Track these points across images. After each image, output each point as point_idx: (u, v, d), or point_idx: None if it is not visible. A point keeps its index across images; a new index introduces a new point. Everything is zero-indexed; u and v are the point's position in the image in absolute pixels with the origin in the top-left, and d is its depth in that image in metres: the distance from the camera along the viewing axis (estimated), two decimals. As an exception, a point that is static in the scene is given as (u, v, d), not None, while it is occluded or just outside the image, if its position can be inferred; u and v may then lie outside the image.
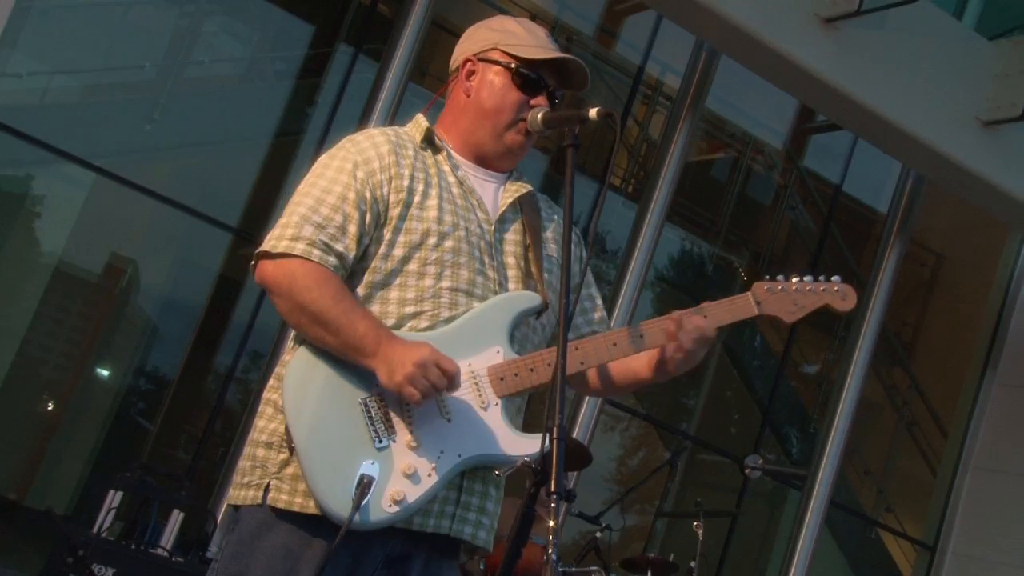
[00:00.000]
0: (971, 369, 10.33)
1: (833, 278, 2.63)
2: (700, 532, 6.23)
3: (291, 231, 2.36)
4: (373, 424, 2.30)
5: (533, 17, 9.46)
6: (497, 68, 2.56)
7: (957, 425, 10.20)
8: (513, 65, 2.54)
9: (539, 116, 2.51)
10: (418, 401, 2.26)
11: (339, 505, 2.24)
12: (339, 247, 2.37)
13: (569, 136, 2.38)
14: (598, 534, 6.37)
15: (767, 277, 2.61)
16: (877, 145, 8.40)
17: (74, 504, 8.25)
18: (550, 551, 2.01)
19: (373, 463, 2.27)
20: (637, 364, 2.58)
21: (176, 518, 5.66)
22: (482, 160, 2.59)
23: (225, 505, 6.28)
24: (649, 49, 9.14)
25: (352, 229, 2.39)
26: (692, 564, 6.25)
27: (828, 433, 9.05)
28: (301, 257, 2.33)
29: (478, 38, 2.64)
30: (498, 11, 9.20)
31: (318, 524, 2.28)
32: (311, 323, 2.32)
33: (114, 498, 5.42)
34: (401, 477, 2.28)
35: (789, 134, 10.78)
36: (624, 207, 9.26)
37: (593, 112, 2.37)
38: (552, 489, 2.04)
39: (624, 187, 9.83)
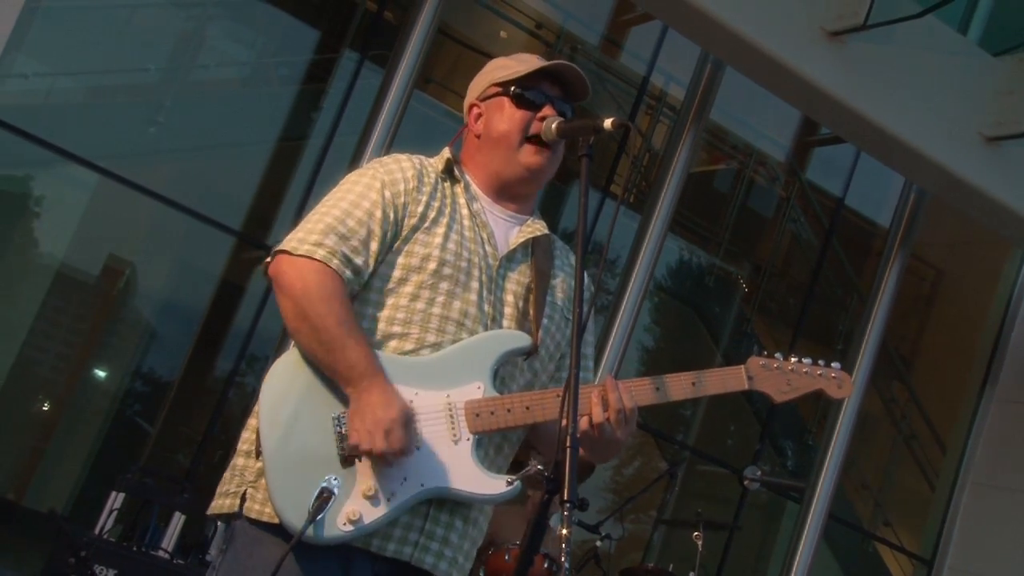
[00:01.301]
0: (970, 384, 10.34)
1: (832, 364, 2.62)
2: (700, 543, 6.23)
3: (316, 237, 2.37)
4: (341, 441, 2.30)
5: (538, 26, 9.49)
6: (498, 99, 2.60)
7: (955, 440, 10.21)
8: (511, 88, 2.58)
9: (553, 126, 2.52)
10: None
11: (295, 515, 2.25)
12: (358, 261, 2.38)
13: (583, 146, 2.39)
14: (598, 543, 6.37)
15: (764, 353, 2.59)
16: (880, 159, 8.41)
17: (72, 505, 8.24)
18: (563, 559, 2.02)
19: (336, 479, 2.28)
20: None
21: (177, 521, 5.65)
22: (503, 191, 2.60)
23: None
24: (654, 60, 9.16)
25: (374, 246, 2.41)
26: (691, 575, 6.26)
27: (827, 446, 9.06)
28: (321, 262, 2.34)
29: (477, 85, 2.69)
30: (504, 20, 9.23)
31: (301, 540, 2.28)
32: (309, 334, 2.32)
33: (116, 499, 5.42)
34: (360, 498, 2.28)
35: (792, 146, 10.81)
36: (626, 217, 9.27)
37: (608, 122, 2.37)
38: (565, 497, 2.04)
39: (627, 197, 9.85)
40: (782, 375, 2.58)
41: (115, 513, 5.45)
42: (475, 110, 2.65)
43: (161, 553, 5.53)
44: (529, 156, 2.55)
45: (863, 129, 7.85)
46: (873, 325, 9.19)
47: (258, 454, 2.32)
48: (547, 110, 2.55)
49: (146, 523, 5.69)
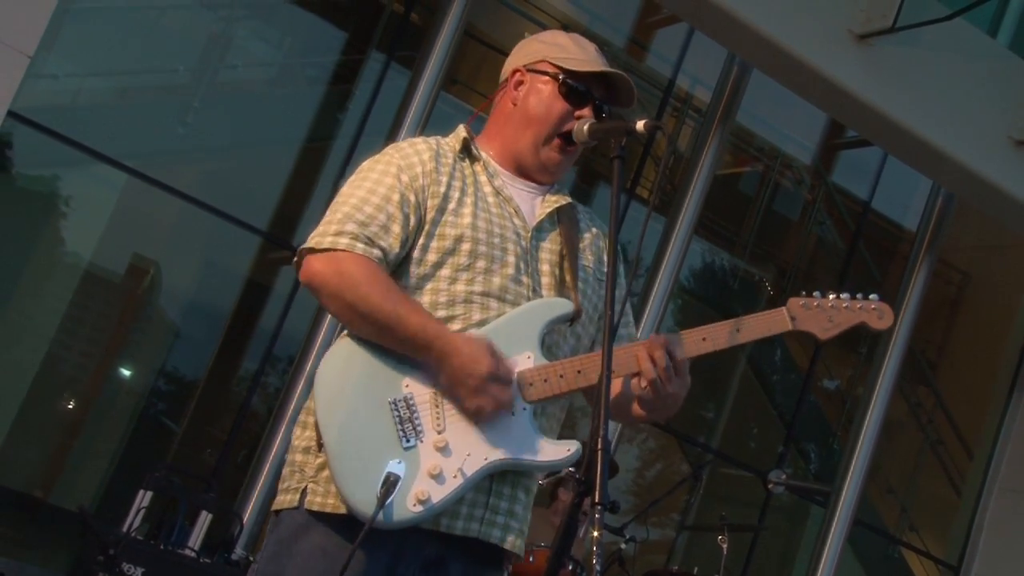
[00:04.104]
0: (997, 389, 10.27)
1: (871, 296, 2.61)
2: (725, 546, 6.21)
3: (335, 227, 2.37)
4: (401, 424, 2.31)
5: (564, 27, 9.47)
6: (545, 78, 2.59)
7: (982, 445, 10.14)
8: (561, 76, 2.57)
9: (585, 128, 2.52)
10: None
11: (364, 503, 2.25)
12: (383, 243, 2.38)
13: (616, 148, 2.38)
14: (622, 545, 6.37)
15: (803, 293, 2.59)
16: (907, 162, 8.36)
17: (98, 503, 8.29)
18: (595, 561, 2.02)
19: (400, 462, 2.28)
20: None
21: (204, 519, 5.68)
22: (521, 171, 2.61)
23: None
24: (680, 62, 9.15)
25: (396, 228, 2.40)
26: (715, 578, 6.24)
27: (852, 450, 9.00)
28: (345, 251, 2.34)
29: (529, 50, 2.66)
30: (529, 21, 9.23)
31: (354, 526, 2.28)
32: (362, 321, 2.34)
33: (144, 498, 5.46)
34: (427, 477, 2.28)
35: (818, 149, 10.76)
36: (651, 219, 9.25)
37: (640, 124, 2.37)
38: (596, 500, 2.04)
39: (652, 199, 9.83)
40: (823, 312, 2.57)
41: (143, 511, 5.48)
42: (518, 75, 2.63)
43: (188, 551, 5.56)
44: (552, 152, 2.56)
45: (890, 132, 7.81)
46: (899, 329, 9.13)
47: (320, 447, 2.32)
48: (586, 111, 2.55)
49: (173, 521, 5.71)
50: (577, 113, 2.55)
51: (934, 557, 10.27)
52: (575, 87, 2.56)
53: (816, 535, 9.09)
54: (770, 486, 6.50)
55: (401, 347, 2.34)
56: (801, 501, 9.99)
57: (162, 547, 5.42)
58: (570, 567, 5.48)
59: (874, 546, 10.40)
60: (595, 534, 2.03)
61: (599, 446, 2.08)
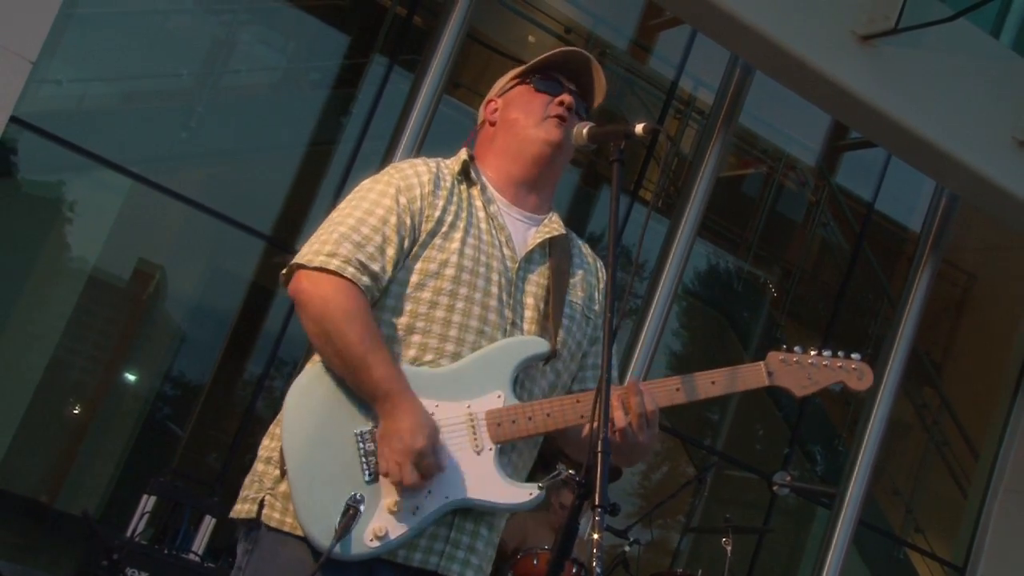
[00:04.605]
0: (1003, 389, 10.24)
1: (852, 355, 2.58)
2: (729, 548, 6.20)
3: (329, 247, 2.37)
4: (365, 457, 2.31)
5: (567, 30, 9.48)
6: (516, 88, 2.65)
7: (988, 446, 10.11)
8: (528, 79, 2.63)
9: (584, 131, 2.52)
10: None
11: (322, 533, 2.25)
12: (375, 267, 2.37)
13: (615, 151, 2.37)
14: (626, 548, 6.36)
15: (784, 348, 2.56)
16: (911, 163, 8.35)
17: (103, 508, 8.31)
18: (595, 564, 2.02)
19: (360, 495, 2.28)
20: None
21: (208, 524, 5.69)
22: (521, 185, 2.60)
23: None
24: (683, 64, 9.14)
25: (390, 252, 2.40)
26: (720, 580, 6.23)
27: (857, 451, 8.98)
28: (336, 273, 2.33)
29: (497, 85, 2.73)
30: (532, 24, 9.24)
31: (311, 548, 2.29)
32: (332, 355, 2.33)
33: (147, 502, 5.46)
34: (385, 513, 2.29)
35: (822, 151, 10.75)
36: (655, 221, 9.25)
37: (639, 127, 2.36)
38: (597, 502, 2.04)
39: (655, 202, 9.83)
40: (802, 369, 2.54)
41: (147, 516, 5.49)
42: (491, 104, 2.68)
43: (192, 556, 5.56)
44: (550, 128, 2.55)
45: (894, 133, 7.80)
46: (904, 330, 9.11)
47: (283, 472, 2.32)
48: (565, 96, 2.57)
49: (177, 526, 5.73)
50: (557, 99, 2.57)
51: (940, 558, 10.25)
52: (543, 79, 2.60)
53: (821, 537, 9.07)
54: (775, 488, 6.49)
55: (358, 389, 2.33)
56: (806, 503, 9.97)
57: (166, 552, 5.42)
58: (574, 570, 5.48)
59: (880, 547, 10.38)
60: (595, 537, 2.03)
61: (599, 448, 2.08)
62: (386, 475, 2.28)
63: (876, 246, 10.50)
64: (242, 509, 2.41)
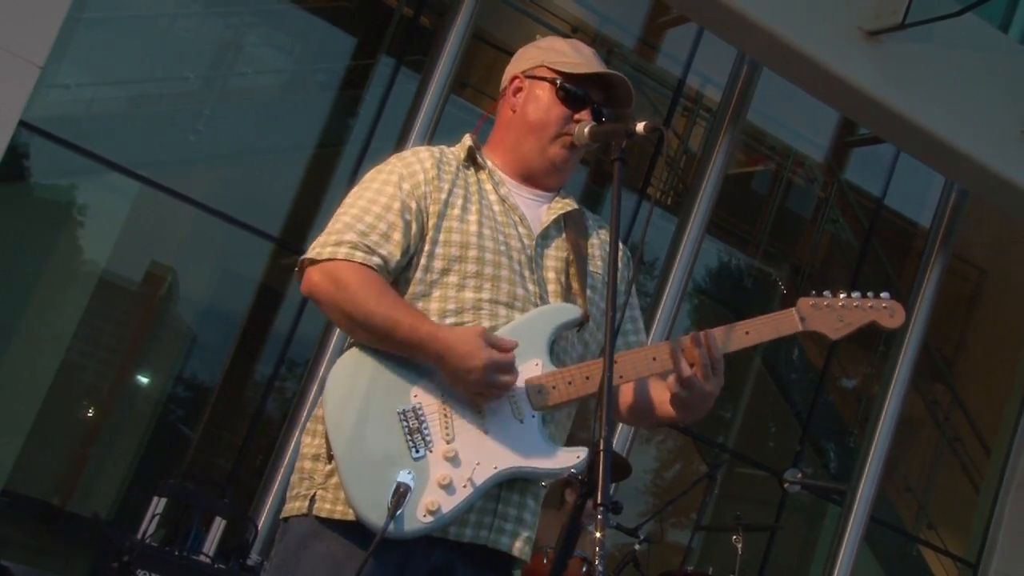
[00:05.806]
0: (1014, 385, 10.21)
1: (882, 294, 2.59)
2: (739, 546, 6.19)
3: (334, 237, 2.39)
4: (410, 434, 2.32)
5: (574, 29, 9.48)
6: (543, 84, 2.60)
7: (1000, 442, 10.08)
8: (558, 80, 2.58)
9: (586, 130, 2.53)
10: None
11: (375, 514, 2.26)
12: (383, 251, 2.39)
13: (616, 150, 2.38)
14: (636, 546, 6.36)
15: (813, 292, 2.57)
16: (920, 159, 8.33)
17: (115, 510, 8.33)
18: (597, 562, 2.02)
19: (409, 473, 2.29)
20: (663, 395, 2.53)
21: (218, 525, 5.69)
22: (528, 178, 2.62)
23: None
24: (690, 61, 9.12)
25: (396, 236, 2.42)
26: (731, 578, 6.22)
27: (868, 448, 8.96)
28: (344, 260, 2.36)
29: (526, 57, 2.68)
30: (539, 23, 9.23)
31: (362, 533, 2.30)
32: (359, 328, 2.36)
33: (158, 504, 5.47)
34: (436, 488, 2.30)
35: (830, 147, 10.73)
36: (663, 219, 9.24)
37: (640, 126, 2.37)
38: (599, 501, 2.04)
39: (664, 199, 9.82)
40: (833, 312, 2.55)
41: (157, 518, 5.50)
42: (517, 82, 2.65)
43: (202, 558, 5.57)
44: (559, 148, 2.57)
45: (902, 128, 7.78)
46: (914, 326, 9.09)
47: (330, 458, 2.34)
48: (584, 114, 2.56)
49: (188, 528, 5.73)
50: (576, 116, 2.56)
51: (952, 554, 10.22)
52: (572, 91, 2.57)
53: (833, 534, 9.06)
54: (786, 485, 6.47)
55: (400, 350, 2.35)
56: (818, 500, 9.95)
57: (177, 553, 5.43)
58: (584, 568, 5.48)
59: (892, 544, 10.35)
60: (598, 535, 2.04)
61: (601, 447, 2.09)
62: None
63: (886, 242, 10.47)
64: (292, 507, 2.42)
